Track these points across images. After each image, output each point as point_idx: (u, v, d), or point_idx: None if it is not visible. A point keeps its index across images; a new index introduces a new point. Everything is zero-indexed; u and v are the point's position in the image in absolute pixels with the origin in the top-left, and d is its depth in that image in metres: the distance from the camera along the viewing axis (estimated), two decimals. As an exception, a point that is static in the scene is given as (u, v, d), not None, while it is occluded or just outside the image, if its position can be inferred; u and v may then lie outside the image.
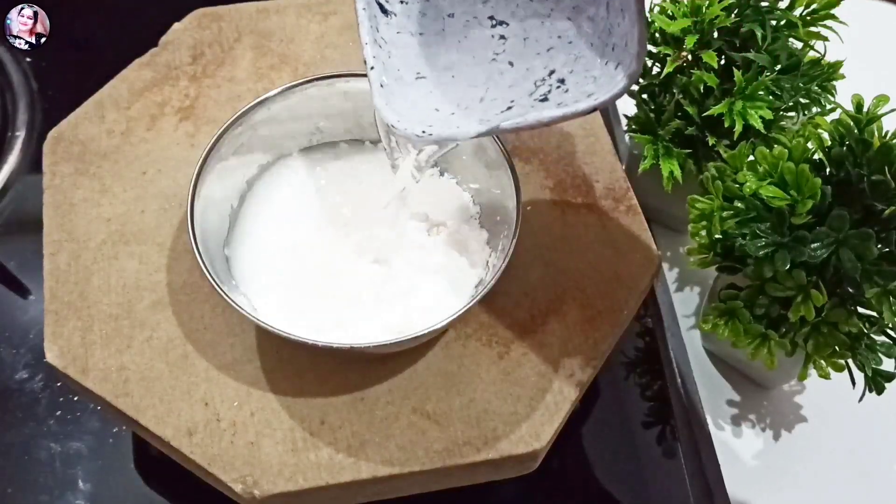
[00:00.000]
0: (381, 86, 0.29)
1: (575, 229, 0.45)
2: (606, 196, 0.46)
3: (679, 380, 0.55)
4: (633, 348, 0.56)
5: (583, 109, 0.26)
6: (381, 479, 0.37)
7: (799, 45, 0.48)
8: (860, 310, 0.42)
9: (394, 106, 0.29)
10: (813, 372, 0.43)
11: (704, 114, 0.47)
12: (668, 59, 0.47)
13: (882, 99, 0.41)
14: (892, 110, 0.41)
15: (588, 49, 0.28)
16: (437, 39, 0.29)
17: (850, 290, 0.42)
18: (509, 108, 0.29)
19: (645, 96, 0.51)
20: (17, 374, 0.50)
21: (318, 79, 0.43)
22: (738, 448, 0.51)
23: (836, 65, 0.47)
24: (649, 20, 0.49)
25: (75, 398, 0.49)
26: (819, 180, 0.40)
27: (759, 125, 0.45)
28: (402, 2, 0.29)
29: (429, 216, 0.43)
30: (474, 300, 0.37)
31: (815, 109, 0.47)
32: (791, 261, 0.40)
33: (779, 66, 0.47)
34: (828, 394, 0.52)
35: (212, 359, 0.40)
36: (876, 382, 0.43)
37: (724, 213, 0.43)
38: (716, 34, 0.47)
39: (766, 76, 0.46)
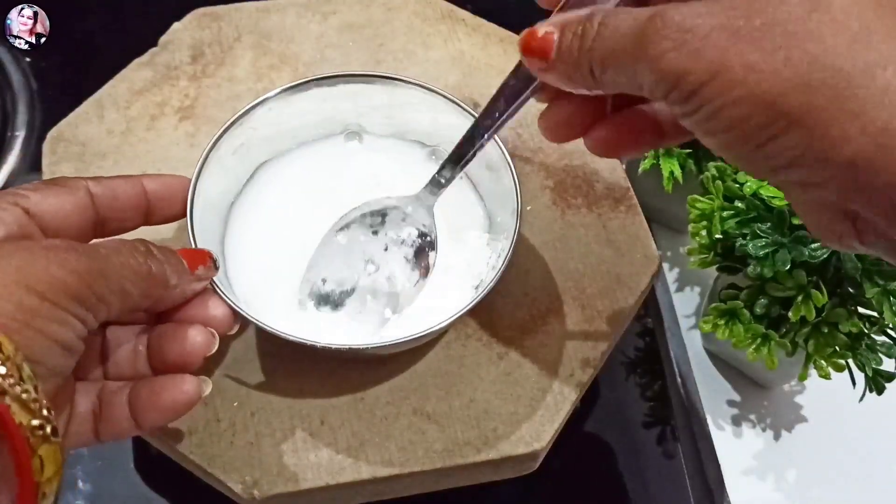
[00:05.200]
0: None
1: (575, 229, 0.45)
2: (606, 196, 0.46)
3: (679, 380, 0.55)
4: (633, 348, 0.56)
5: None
6: (381, 480, 0.37)
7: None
8: (860, 310, 0.42)
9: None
10: (813, 372, 0.43)
11: (704, 114, 0.47)
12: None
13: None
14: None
15: None
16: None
17: (851, 290, 0.42)
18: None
19: (645, 96, 0.51)
20: (17, 374, 0.50)
21: (317, 79, 0.43)
22: (738, 448, 0.51)
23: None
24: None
25: (75, 398, 0.49)
26: (819, 180, 0.40)
27: (759, 125, 0.45)
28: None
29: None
30: (474, 300, 0.37)
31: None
32: (791, 261, 0.40)
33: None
34: (828, 394, 0.52)
35: (212, 359, 0.40)
36: (876, 382, 0.43)
37: (725, 213, 0.43)
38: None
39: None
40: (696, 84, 0.25)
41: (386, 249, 0.40)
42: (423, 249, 0.40)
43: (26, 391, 0.25)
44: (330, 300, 0.40)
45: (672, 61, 0.25)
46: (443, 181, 0.38)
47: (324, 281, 0.40)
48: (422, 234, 0.40)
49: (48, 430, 0.25)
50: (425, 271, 0.40)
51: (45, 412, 0.25)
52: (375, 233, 0.41)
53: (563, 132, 0.32)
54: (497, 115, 0.34)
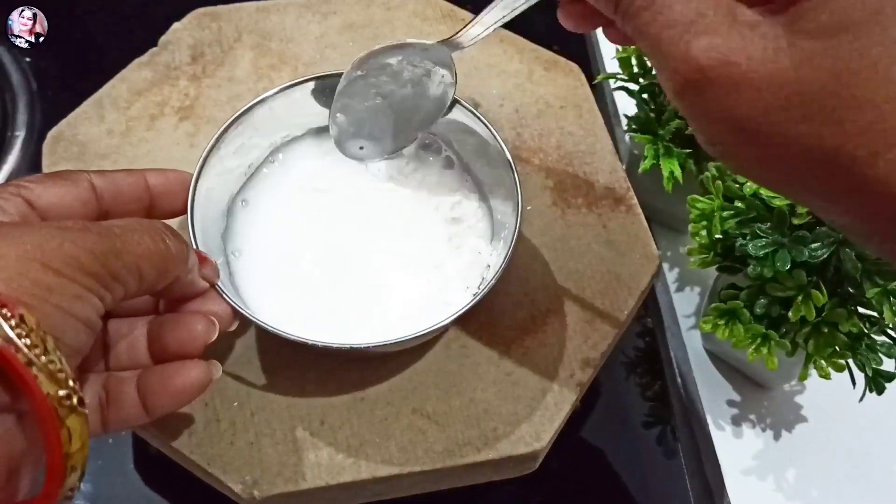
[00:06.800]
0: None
1: (575, 229, 0.45)
2: (606, 196, 0.46)
3: (679, 380, 0.55)
4: (633, 348, 0.56)
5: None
6: (380, 480, 0.37)
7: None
8: (860, 310, 0.42)
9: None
10: (813, 372, 0.43)
11: (704, 114, 0.47)
12: (669, 58, 0.47)
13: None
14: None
15: None
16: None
17: (851, 290, 0.42)
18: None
19: (645, 96, 0.51)
20: (17, 374, 0.50)
21: (317, 78, 0.43)
22: (738, 448, 0.51)
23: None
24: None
25: (75, 398, 0.49)
26: (819, 180, 0.40)
27: (759, 125, 0.45)
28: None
29: (430, 216, 0.43)
30: (474, 300, 0.37)
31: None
32: (791, 261, 0.40)
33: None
34: (828, 394, 0.52)
35: (212, 358, 0.40)
36: (876, 382, 0.43)
37: (725, 213, 0.43)
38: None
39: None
40: (736, 165, 0.25)
41: (404, 84, 0.42)
42: (440, 87, 0.41)
43: (52, 361, 0.25)
44: (358, 131, 0.42)
45: (714, 114, 0.25)
46: (468, 34, 0.38)
47: (349, 116, 0.42)
48: (438, 74, 0.41)
49: (75, 400, 0.25)
50: (442, 107, 0.41)
51: (71, 382, 0.25)
52: (394, 68, 0.41)
53: (585, 22, 0.32)
54: None
